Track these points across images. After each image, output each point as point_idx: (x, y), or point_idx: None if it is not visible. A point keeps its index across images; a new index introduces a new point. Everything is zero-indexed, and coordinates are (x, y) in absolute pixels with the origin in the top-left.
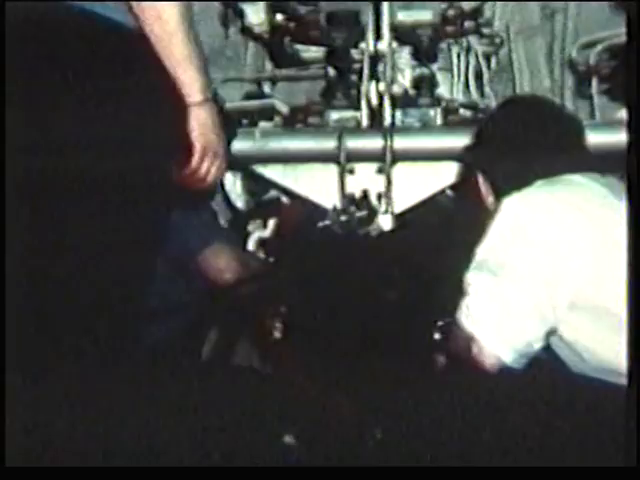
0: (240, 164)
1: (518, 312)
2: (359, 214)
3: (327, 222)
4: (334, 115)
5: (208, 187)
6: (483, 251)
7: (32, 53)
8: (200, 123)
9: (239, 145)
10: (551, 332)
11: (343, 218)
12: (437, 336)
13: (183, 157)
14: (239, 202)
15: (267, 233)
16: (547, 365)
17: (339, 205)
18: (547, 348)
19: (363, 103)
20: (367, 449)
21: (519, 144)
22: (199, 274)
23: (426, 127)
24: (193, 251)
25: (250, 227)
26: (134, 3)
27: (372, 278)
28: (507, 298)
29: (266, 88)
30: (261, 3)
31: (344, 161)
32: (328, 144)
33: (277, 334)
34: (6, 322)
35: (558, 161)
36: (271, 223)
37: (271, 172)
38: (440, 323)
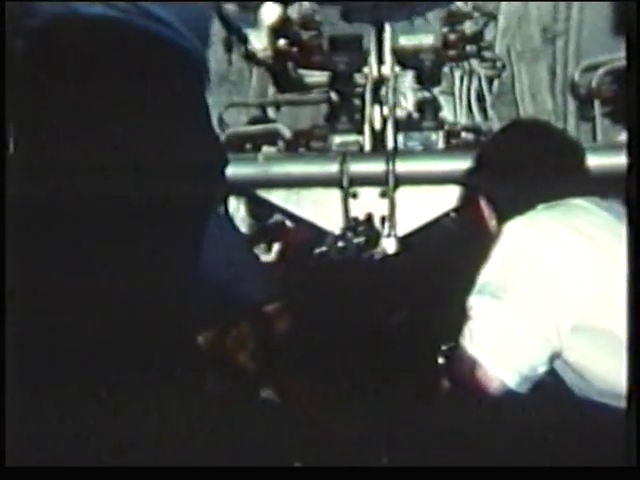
0: (243, 188)
1: (521, 336)
2: (357, 240)
3: (324, 248)
4: (337, 139)
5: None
6: (485, 275)
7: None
8: None
9: (242, 170)
10: (555, 356)
11: (340, 244)
12: (441, 360)
13: None
14: (243, 226)
15: (271, 257)
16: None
17: (341, 229)
18: (551, 372)
19: (366, 127)
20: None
21: (520, 168)
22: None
23: (428, 150)
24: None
25: (255, 251)
26: None
27: (376, 301)
28: (510, 322)
29: (270, 113)
30: (264, 29)
31: (347, 185)
32: (331, 168)
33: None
34: (20, 330)
35: (560, 185)
36: (275, 247)
37: (274, 196)
38: (444, 347)
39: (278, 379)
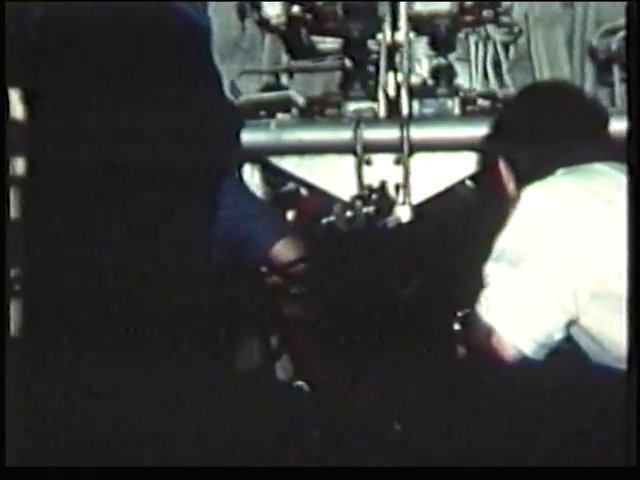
0: (255, 155)
1: (538, 303)
2: (366, 209)
3: (331, 218)
4: (351, 106)
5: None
6: (502, 242)
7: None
8: None
9: (254, 136)
10: (572, 322)
11: (349, 214)
12: (457, 327)
13: None
14: (258, 193)
15: None
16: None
17: (350, 198)
18: (568, 338)
19: (380, 94)
20: (386, 441)
21: (542, 131)
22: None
23: (443, 117)
24: (258, 242)
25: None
26: None
27: (388, 271)
28: (527, 289)
29: (283, 80)
30: None
31: (361, 152)
32: (344, 135)
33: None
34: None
35: (580, 149)
36: (290, 214)
37: (287, 164)
38: (460, 314)
39: (295, 346)
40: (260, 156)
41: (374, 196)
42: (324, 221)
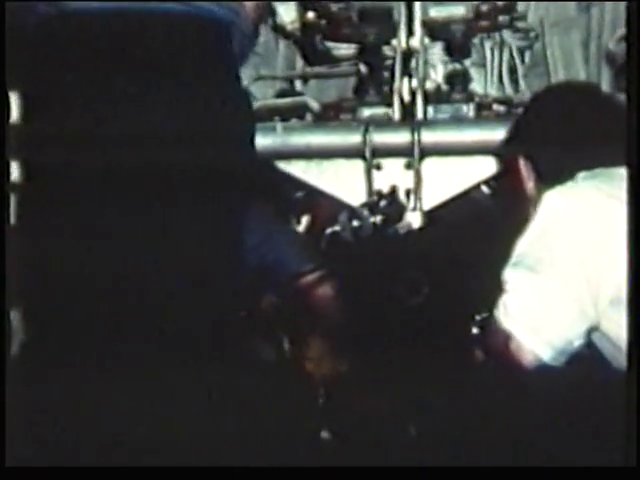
0: (261, 160)
1: (557, 310)
2: (373, 218)
3: (336, 228)
4: (366, 112)
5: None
6: (521, 247)
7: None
8: None
9: (260, 140)
10: (592, 329)
11: (355, 223)
12: (475, 330)
13: None
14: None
15: (300, 229)
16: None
17: (357, 206)
18: (589, 344)
19: (395, 99)
20: (401, 444)
21: (563, 133)
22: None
23: (455, 120)
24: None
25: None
26: None
27: (398, 278)
28: (546, 295)
29: (298, 86)
30: (293, 1)
31: (370, 156)
32: (353, 139)
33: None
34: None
35: (603, 152)
36: (304, 220)
37: (294, 168)
38: (478, 318)
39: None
40: (266, 160)
41: (383, 202)
42: (328, 231)
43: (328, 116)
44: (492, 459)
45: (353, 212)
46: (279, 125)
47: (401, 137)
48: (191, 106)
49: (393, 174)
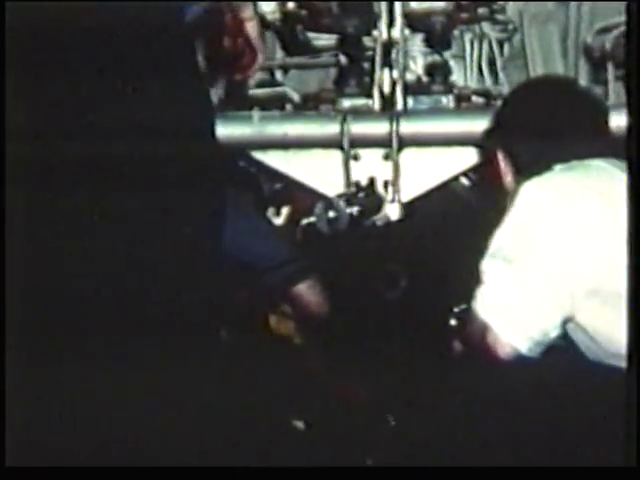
0: (237, 150)
1: (534, 301)
2: (349, 210)
3: (312, 219)
4: (346, 103)
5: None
6: (498, 238)
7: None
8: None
9: (236, 130)
10: (568, 320)
11: (331, 214)
12: (453, 322)
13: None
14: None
15: (280, 221)
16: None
17: (333, 197)
18: (564, 335)
19: (375, 91)
20: (380, 435)
21: (541, 126)
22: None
23: (434, 110)
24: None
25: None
26: None
27: (375, 271)
28: (522, 287)
29: (278, 76)
30: None
31: (348, 147)
32: (331, 129)
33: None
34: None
35: (579, 144)
36: (284, 211)
37: (271, 158)
38: (456, 310)
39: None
40: (242, 150)
41: (361, 194)
42: (304, 222)
43: (308, 107)
44: (484, 456)
45: (329, 203)
46: (256, 114)
47: (379, 127)
48: (156, 97)
49: (371, 165)
